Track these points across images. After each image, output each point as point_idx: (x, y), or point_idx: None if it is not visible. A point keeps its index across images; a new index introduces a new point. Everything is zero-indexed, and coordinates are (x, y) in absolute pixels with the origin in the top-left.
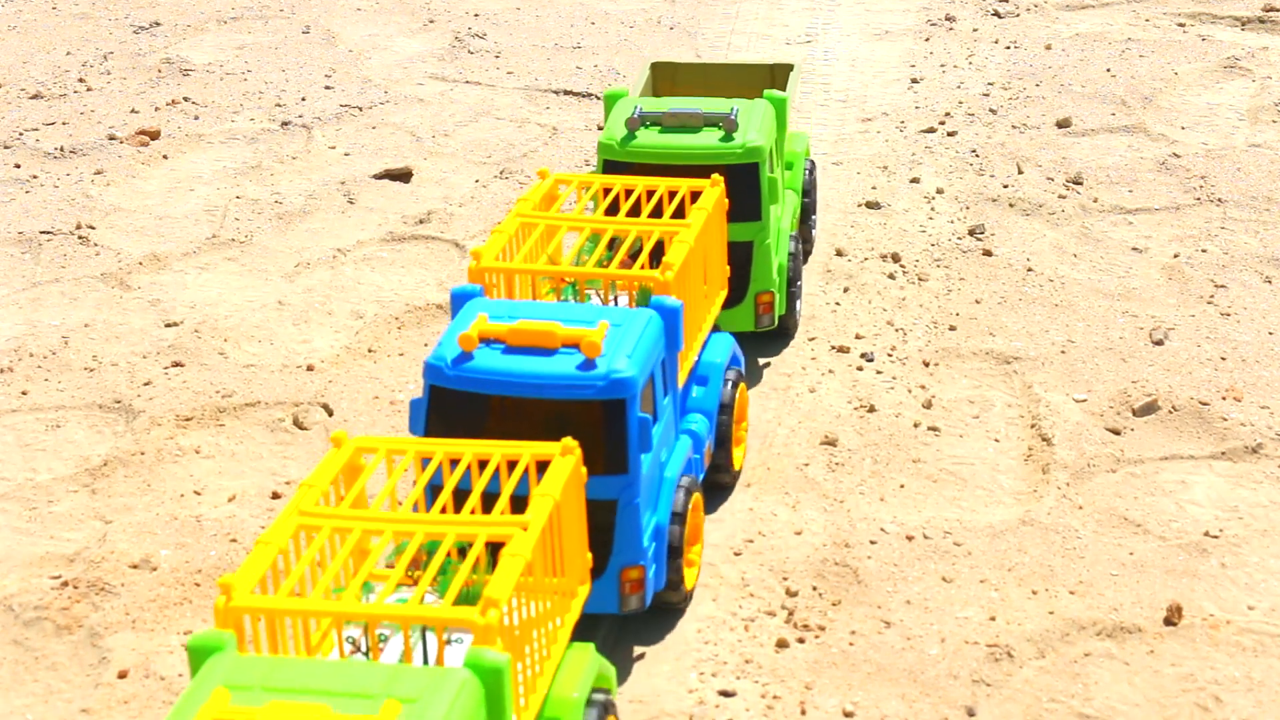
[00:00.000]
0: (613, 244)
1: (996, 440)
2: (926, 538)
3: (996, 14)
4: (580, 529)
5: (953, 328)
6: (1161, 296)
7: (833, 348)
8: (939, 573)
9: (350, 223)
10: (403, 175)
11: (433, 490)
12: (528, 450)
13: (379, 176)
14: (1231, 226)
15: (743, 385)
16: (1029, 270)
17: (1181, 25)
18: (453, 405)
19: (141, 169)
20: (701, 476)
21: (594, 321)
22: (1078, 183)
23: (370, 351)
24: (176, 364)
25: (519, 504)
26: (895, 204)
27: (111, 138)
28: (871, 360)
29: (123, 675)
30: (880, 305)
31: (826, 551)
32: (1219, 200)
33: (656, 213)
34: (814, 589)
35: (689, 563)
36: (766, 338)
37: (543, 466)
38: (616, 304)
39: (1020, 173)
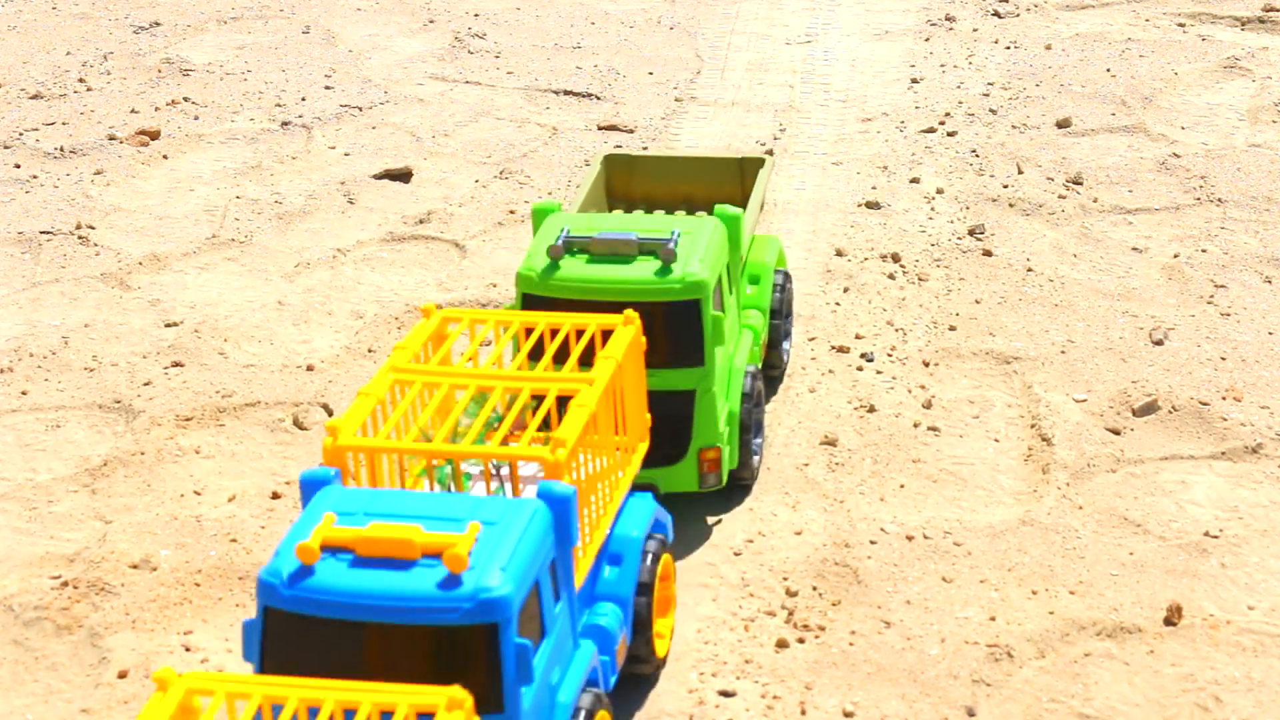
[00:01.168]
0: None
1: (996, 440)
2: (926, 538)
3: (996, 14)
4: None
5: (953, 328)
6: (1161, 296)
7: (833, 348)
8: (939, 573)
9: (350, 223)
10: (403, 175)
11: None
12: (403, 700)
13: (379, 176)
14: (1231, 226)
15: (667, 556)
16: (1029, 270)
17: (1181, 25)
18: (292, 631)
19: (141, 169)
20: (612, 681)
21: (464, 521)
22: (1078, 183)
23: (370, 351)
24: (176, 364)
25: None
26: (895, 204)
27: (111, 138)
28: (871, 360)
29: (123, 675)
30: (880, 305)
31: (826, 551)
32: (1219, 200)
33: (569, 347)
34: (814, 589)
35: None
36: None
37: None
38: (503, 483)
39: (1020, 173)
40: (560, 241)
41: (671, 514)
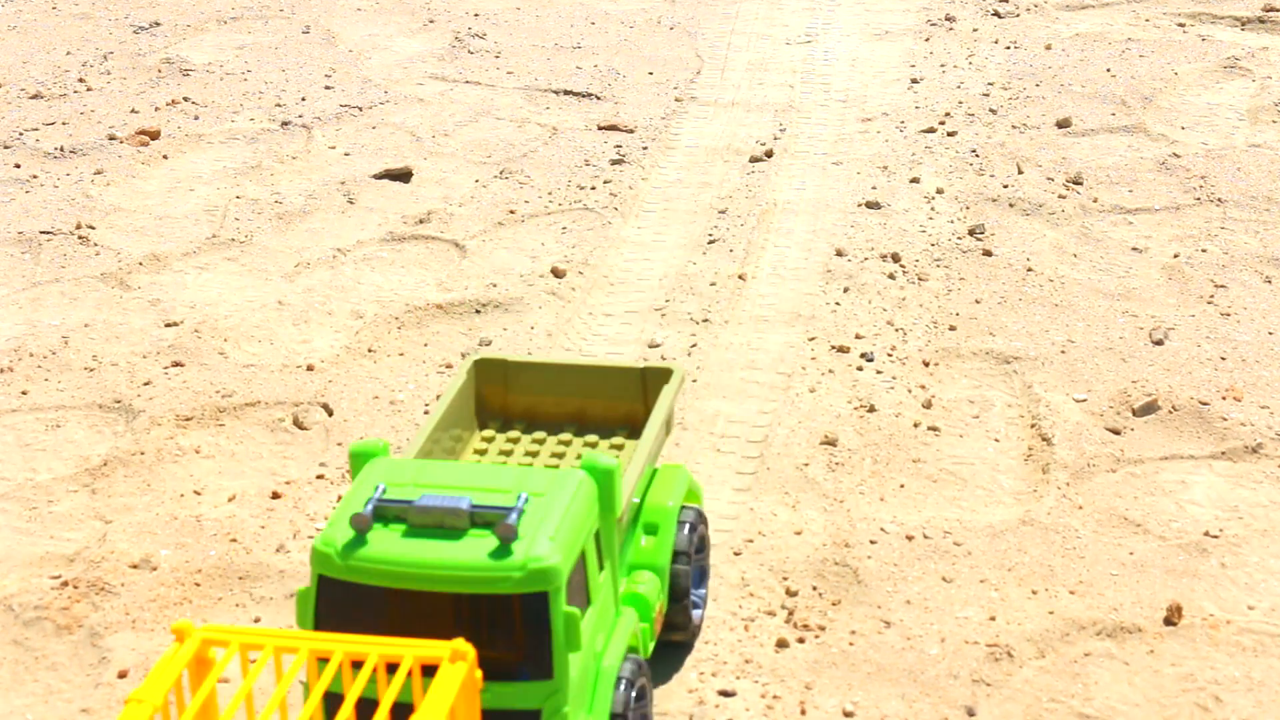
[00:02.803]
0: None
1: (996, 440)
2: (926, 538)
3: (996, 14)
4: None
5: (953, 328)
6: (1161, 296)
7: (833, 348)
8: (939, 573)
9: (350, 223)
10: (403, 175)
11: None
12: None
13: (379, 176)
14: (1231, 226)
15: None
16: (1029, 270)
17: (1181, 25)
18: None
19: (141, 169)
20: None
21: None
22: (1078, 183)
23: (370, 351)
24: (176, 364)
25: None
26: (895, 204)
27: (111, 138)
28: (871, 360)
29: (123, 675)
30: (880, 305)
31: (826, 551)
32: (1219, 200)
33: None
34: (814, 589)
35: None
36: (768, 338)
37: None
38: None
39: (1020, 173)
40: (369, 508)
41: None
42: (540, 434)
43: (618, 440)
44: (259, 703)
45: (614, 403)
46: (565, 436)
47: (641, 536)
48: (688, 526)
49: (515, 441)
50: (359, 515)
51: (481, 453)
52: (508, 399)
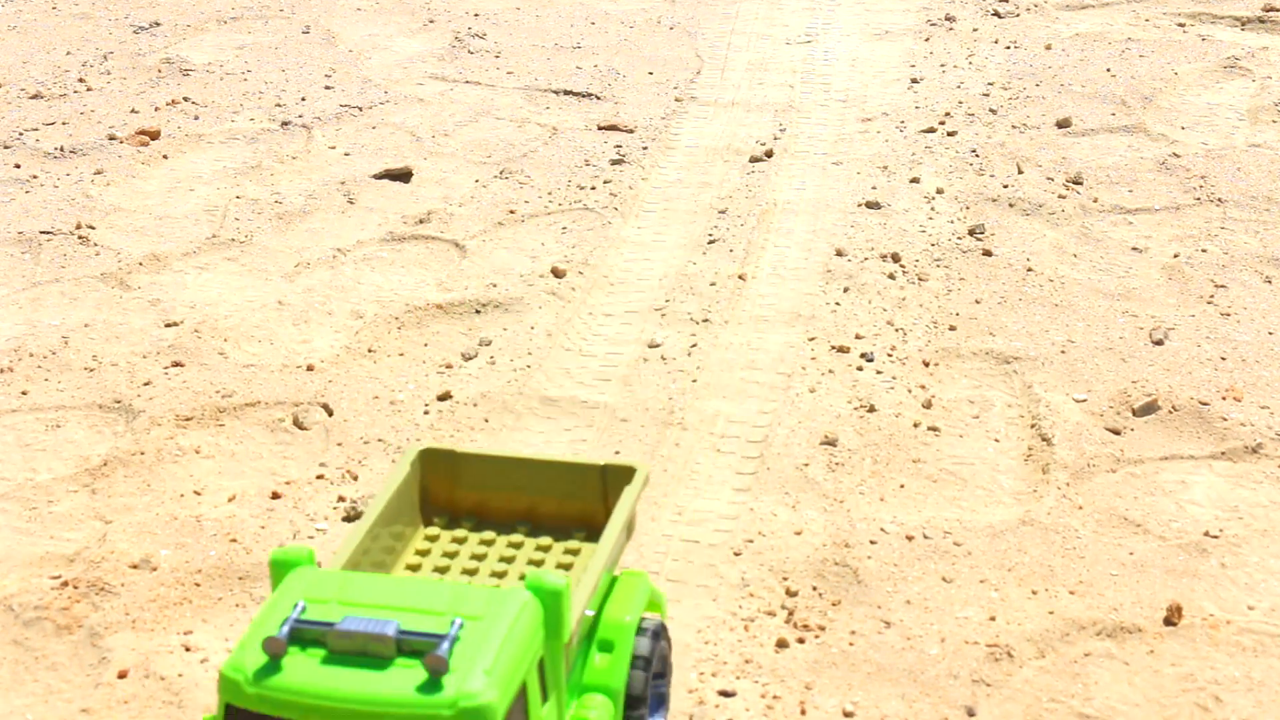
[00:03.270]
0: None
1: (996, 440)
2: (926, 538)
3: (996, 14)
4: None
5: (953, 328)
6: (1161, 296)
7: (833, 348)
8: (939, 573)
9: (350, 223)
10: (403, 175)
11: None
12: None
13: (379, 176)
14: (1231, 226)
15: None
16: (1029, 270)
17: (1181, 25)
18: None
19: (141, 169)
20: None
21: None
22: (1078, 183)
23: (370, 351)
24: (176, 364)
25: None
26: (895, 204)
27: (111, 138)
28: (871, 360)
29: (123, 675)
30: (880, 305)
31: (826, 551)
32: (1219, 200)
33: None
34: (814, 589)
35: None
36: (768, 338)
37: None
38: None
39: (1020, 173)
40: (285, 630)
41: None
42: (489, 533)
43: (574, 543)
44: None
45: (570, 500)
46: (516, 538)
47: (595, 654)
48: (650, 634)
49: (462, 541)
50: (272, 638)
51: (424, 554)
52: (455, 494)
